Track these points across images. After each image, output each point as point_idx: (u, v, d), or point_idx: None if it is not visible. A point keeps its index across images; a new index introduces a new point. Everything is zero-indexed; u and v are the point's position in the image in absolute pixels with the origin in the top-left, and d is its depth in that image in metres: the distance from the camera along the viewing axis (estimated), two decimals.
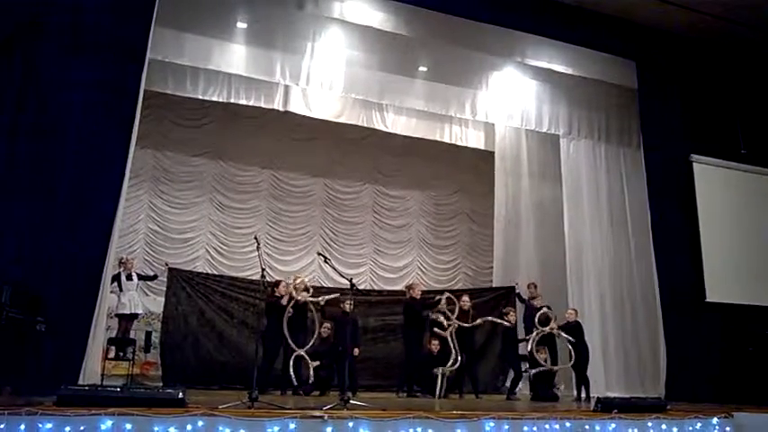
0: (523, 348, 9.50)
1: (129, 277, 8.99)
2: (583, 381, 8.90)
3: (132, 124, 7.42)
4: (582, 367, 8.94)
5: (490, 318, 9.44)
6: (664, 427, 6.02)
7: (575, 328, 9.08)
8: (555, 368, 9.00)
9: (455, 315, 8.94)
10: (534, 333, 9.02)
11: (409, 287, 9.41)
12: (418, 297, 9.15)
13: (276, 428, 4.69)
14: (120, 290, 8.86)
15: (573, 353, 8.92)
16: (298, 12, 9.00)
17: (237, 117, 11.61)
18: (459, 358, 8.67)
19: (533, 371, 8.87)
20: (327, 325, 8.66)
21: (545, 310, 9.25)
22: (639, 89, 10.52)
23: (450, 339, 8.77)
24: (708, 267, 10.10)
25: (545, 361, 8.89)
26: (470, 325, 9.00)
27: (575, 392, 9.07)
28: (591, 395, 8.63)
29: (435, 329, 8.84)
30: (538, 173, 11.93)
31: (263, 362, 7.98)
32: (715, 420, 6.32)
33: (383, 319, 10.14)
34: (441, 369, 8.55)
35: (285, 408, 5.14)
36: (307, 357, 8.11)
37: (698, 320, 9.87)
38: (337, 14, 9.03)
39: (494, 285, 11.65)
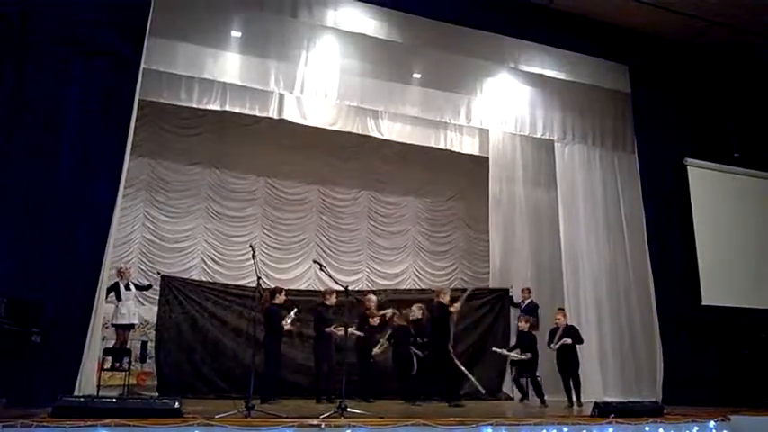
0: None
1: (127, 287, 8.98)
2: (576, 385, 8.75)
3: (127, 133, 7.43)
4: (574, 371, 8.79)
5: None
6: (661, 430, 6.04)
7: (575, 331, 8.99)
8: (515, 355, 8.95)
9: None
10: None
11: (437, 291, 9.10)
12: (446, 302, 8.70)
13: None
14: (119, 299, 8.84)
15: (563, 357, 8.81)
16: (291, 20, 9.04)
17: (232, 125, 11.62)
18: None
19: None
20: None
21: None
22: (633, 93, 10.58)
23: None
24: (703, 270, 10.12)
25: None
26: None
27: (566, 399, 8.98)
28: (582, 400, 8.56)
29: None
30: (533, 178, 11.95)
31: (267, 370, 8.07)
32: (712, 424, 6.33)
33: None
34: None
35: (282, 416, 5.13)
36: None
37: (694, 324, 9.90)
38: (331, 23, 9.06)
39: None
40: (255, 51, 9.23)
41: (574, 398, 8.64)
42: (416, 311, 9.15)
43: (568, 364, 8.73)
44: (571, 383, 8.68)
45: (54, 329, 6.54)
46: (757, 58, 11.25)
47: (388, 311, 9.18)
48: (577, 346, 8.87)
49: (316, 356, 8.66)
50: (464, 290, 9.85)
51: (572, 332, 8.85)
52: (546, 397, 8.67)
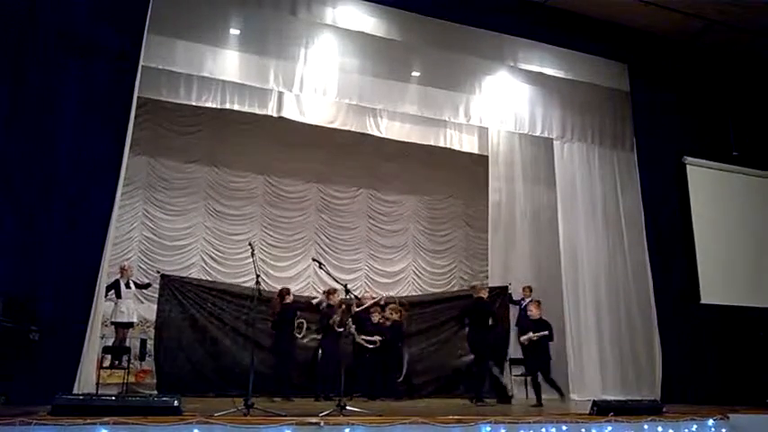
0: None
1: (127, 285, 8.99)
2: (549, 383, 8.45)
3: (126, 131, 7.40)
4: (545, 369, 8.47)
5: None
6: (660, 429, 6.03)
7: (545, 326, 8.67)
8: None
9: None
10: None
11: (476, 288, 9.09)
12: (485, 297, 8.78)
13: None
14: (119, 297, 8.85)
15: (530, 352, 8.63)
16: (290, 18, 9.01)
17: (231, 123, 11.58)
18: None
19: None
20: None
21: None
22: (632, 92, 10.57)
23: None
24: (702, 269, 10.11)
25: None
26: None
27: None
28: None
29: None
30: (532, 176, 11.93)
31: (277, 369, 8.35)
32: (711, 422, 6.33)
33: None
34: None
35: (281, 414, 5.12)
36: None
37: (693, 322, 9.90)
38: (330, 20, 9.04)
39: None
40: (254, 49, 9.20)
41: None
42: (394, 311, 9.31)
43: (537, 360, 8.49)
44: (539, 379, 8.39)
45: (53, 327, 6.52)
46: (756, 58, 11.25)
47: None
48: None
49: (322, 355, 8.81)
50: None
51: (541, 326, 8.61)
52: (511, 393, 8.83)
